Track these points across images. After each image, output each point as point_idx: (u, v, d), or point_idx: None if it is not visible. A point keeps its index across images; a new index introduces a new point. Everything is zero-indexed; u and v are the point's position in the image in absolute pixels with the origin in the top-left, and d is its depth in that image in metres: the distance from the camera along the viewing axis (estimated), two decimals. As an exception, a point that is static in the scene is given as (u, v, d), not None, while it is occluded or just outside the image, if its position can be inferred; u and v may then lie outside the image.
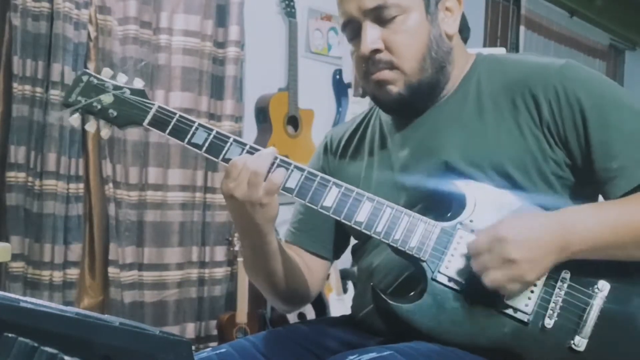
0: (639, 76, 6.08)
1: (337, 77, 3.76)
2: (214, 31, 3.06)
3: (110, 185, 2.73)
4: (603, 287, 1.05)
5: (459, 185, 1.09)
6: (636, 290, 1.07)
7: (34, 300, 0.68)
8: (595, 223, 1.02)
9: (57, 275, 2.55)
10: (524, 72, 1.13)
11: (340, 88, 3.77)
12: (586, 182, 1.11)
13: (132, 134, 2.76)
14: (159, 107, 1.13)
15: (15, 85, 2.43)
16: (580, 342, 1.03)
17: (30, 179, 2.49)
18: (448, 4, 1.17)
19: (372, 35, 1.12)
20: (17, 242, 2.45)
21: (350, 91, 3.77)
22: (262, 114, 3.29)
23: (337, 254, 1.35)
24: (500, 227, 1.01)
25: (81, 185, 2.65)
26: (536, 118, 1.09)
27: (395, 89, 1.14)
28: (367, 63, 1.14)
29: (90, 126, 1.17)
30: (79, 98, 1.14)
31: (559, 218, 1.03)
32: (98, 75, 1.15)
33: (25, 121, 2.45)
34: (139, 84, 1.16)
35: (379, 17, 1.12)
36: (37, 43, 2.47)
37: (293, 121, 3.33)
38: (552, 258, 1.01)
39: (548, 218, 1.03)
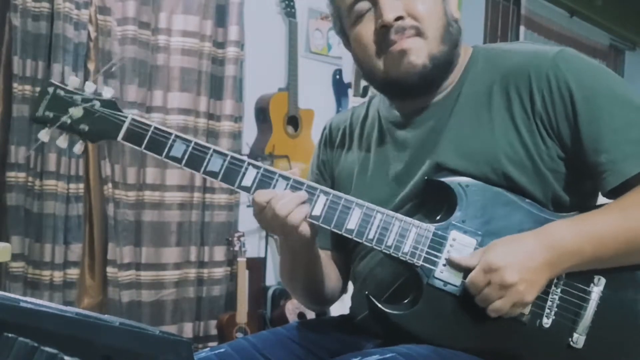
0: (639, 76, 6.08)
1: (337, 77, 3.76)
2: (214, 31, 3.06)
3: (109, 185, 2.74)
4: (599, 281, 1.05)
5: (449, 185, 1.08)
6: (631, 284, 1.06)
7: (34, 300, 0.68)
8: (578, 240, 1.01)
9: (58, 275, 2.55)
10: (518, 61, 1.11)
11: (340, 88, 3.77)
12: (583, 176, 1.09)
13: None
14: (133, 119, 1.09)
15: (15, 85, 2.43)
16: (578, 340, 1.04)
17: (30, 179, 2.50)
18: None
19: (393, 2, 1.08)
20: (18, 242, 2.46)
21: (350, 91, 3.77)
22: (262, 114, 3.29)
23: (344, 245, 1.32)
24: (490, 257, 1.00)
25: (81, 186, 2.65)
26: (529, 110, 1.07)
27: (419, 60, 1.09)
28: (387, 34, 1.08)
29: (62, 142, 1.11)
30: (47, 113, 1.08)
31: (543, 237, 1.02)
32: (64, 86, 1.10)
33: (25, 121, 2.45)
34: (108, 93, 1.10)
35: None
36: (37, 43, 2.47)
37: (293, 121, 3.33)
38: (545, 275, 1.01)
39: (533, 238, 1.02)
